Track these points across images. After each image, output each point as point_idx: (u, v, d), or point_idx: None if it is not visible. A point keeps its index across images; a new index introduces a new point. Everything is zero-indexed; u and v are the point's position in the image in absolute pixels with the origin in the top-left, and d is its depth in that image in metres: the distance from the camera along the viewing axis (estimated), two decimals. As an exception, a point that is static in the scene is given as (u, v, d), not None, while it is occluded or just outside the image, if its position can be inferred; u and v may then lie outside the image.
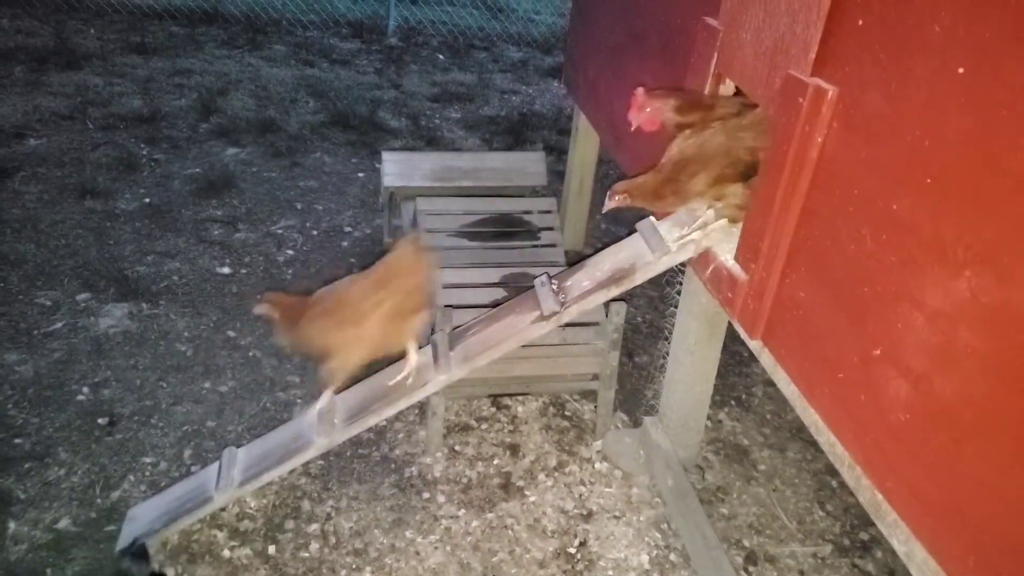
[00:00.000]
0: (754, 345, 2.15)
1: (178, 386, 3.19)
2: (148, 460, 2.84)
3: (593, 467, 3.02)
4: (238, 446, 2.63)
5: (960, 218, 1.39)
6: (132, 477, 2.77)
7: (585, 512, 2.81)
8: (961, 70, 1.38)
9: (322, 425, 2.48)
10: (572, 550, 2.67)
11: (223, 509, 2.64)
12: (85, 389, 3.11)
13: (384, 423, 3.06)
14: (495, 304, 2.80)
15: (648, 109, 2.26)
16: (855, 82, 1.67)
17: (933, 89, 1.45)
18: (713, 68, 2.33)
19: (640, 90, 2.28)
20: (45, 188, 4.50)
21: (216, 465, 2.57)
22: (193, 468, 2.82)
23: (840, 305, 1.74)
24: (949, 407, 1.43)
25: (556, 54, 8.00)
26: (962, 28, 1.37)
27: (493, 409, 3.25)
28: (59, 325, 3.44)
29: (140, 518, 2.53)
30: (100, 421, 2.97)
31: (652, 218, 2.46)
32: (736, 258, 2.17)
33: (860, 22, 1.66)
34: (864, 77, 1.64)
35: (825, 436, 1.84)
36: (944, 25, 1.42)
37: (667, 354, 2.94)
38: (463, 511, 2.77)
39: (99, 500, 2.66)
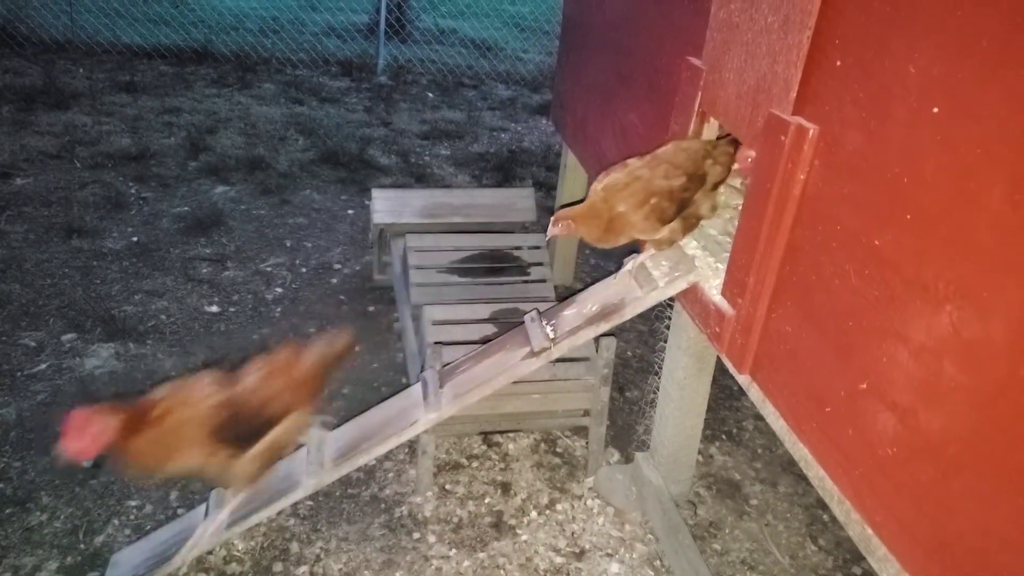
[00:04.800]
0: (743, 379, 2.15)
1: (164, 426, 3.15)
2: (133, 503, 2.79)
3: (585, 504, 2.99)
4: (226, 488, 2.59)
5: (940, 254, 1.41)
6: (116, 521, 2.71)
7: (577, 550, 2.78)
8: (936, 110, 1.41)
9: (311, 465, 2.45)
10: (565, 590, 2.64)
11: (210, 552, 2.59)
12: (69, 431, 3.07)
13: (374, 462, 3.03)
14: (485, 340, 2.80)
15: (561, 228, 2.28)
16: (835, 121, 1.71)
17: (910, 128, 1.49)
18: (697, 107, 2.38)
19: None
20: (31, 227, 4.49)
21: (203, 507, 2.53)
22: (179, 511, 2.77)
23: (826, 340, 1.76)
24: (935, 441, 1.43)
25: (544, 91, 8.13)
26: (936, 69, 1.41)
27: (484, 447, 3.23)
28: (43, 366, 3.41)
29: (124, 563, 2.48)
30: (84, 464, 2.92)
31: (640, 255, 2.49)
32: (723, 293, 2.19)
33: (839, 63, 1.70)
34: (844, 116, 1.68)
35: (814, 470, 1.84)
36: (919, 66, 1.46)
37: (657, 389, 2.94)
38: (454, 551, 2.73)
39: (82, 545, 2.61)
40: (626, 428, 3.41)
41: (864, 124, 1.61)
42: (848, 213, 1.67)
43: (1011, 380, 1.27)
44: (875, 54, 1.58)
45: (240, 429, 2.16)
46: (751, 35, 2.05)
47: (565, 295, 2.99)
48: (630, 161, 2.31)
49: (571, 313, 2.44)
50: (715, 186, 2.33)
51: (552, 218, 2.25)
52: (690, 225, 2.34)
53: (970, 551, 1.37)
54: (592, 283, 2.56)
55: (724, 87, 2.22)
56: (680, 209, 2.27)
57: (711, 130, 2.42)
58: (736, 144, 2.38)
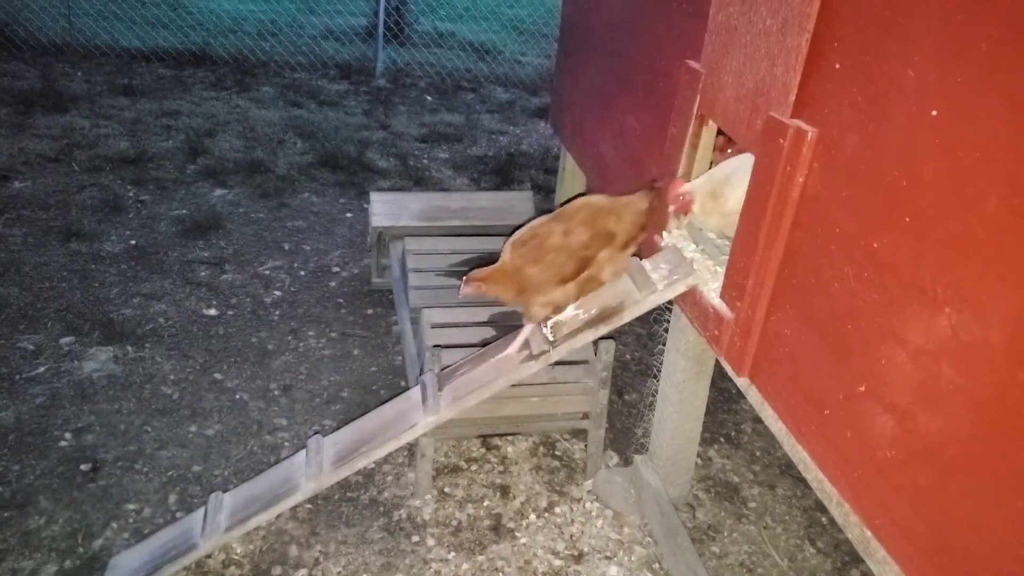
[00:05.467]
0: (741, 382, 2.16)
1: (163, 430, 3.15)
2: (132, 507, 2.79)
3: (584, 507, 2.99)
4: (224, 491, 2.59)
5: (938, 257, 1.42)
6: (115, 524, 2.71)
7: (576, 553, 2.78)
8: (934, 113, 1.42)
9: (310, 468, 2.45)
10: (564, 593, 2.64)
11: (208, 556, 2.59)
12: (68, 435, 3.06)
13: (373, 466, 3.03)
14: (484, 343, 2.80)
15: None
16: (834, 124, 1.72)
17: (909, 131, 1.49)
18: (696, 110, 2.39)
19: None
20: (29, 231, 4.49)
21: (202, 511, 2.53)
22: (178, 514, 2.76)
23: (825, 342, 1.76)
24: (934, 443, 1.44)
25: (542, 95, 8.13)
26: (934, 73, 1.42)
27: (483, 450, 3.23)
28: (42, 370, 3.40)
29: (122, 567, 2.47)
30: (83, 467, 2.92)
31: (638, 258, 2.49)
32: (722, 296, 2.20)
33: (837, 66, 1.71)
34: (843, 119, 1.69)
35: (813, 473, 1.84)
36: (917, 70, 1.46)
37: (656, 392, 2.94)
38: (453, 554, 2.73)
39: (81, 549, 2.60)
40: (625, 431, 3.41)
41: (862, 127, 1.62)
42: (847, 216, 1.68)
43: (1009, 383, 1.27)
44: (873, 57, 1.58)
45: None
46: (750, 38, 2.05)
47: (564, 298, 2.99)
48: (539, 219, 2.32)
49: (570, 316, 2.44)
50: (625, 245, 2.32)
51: (464, 278, 2.25)
52: (586, 290, 2.34)
53: (969, 553, 1.38)
54: (591, 286, 2.56)
55: (723, 90, 2.22)
56: (582, 267, 2.26)
57: (710, 133, 2.43)
58: (654, 194, 2.37)
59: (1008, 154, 1.26)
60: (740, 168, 2.27)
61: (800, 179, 1.82)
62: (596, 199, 2.36)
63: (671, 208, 2.42)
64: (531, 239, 2.26)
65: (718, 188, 2.29)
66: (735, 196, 2.22)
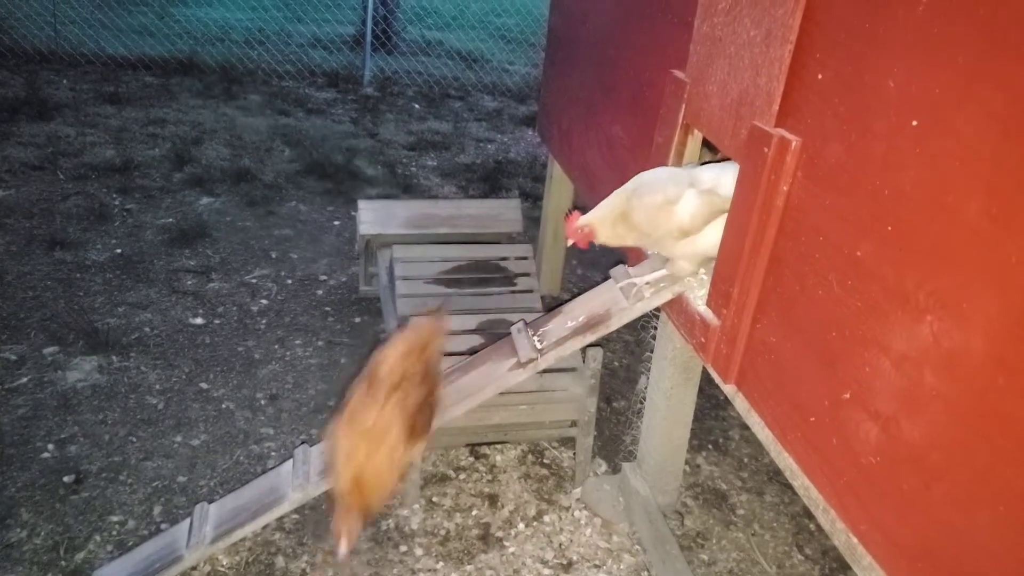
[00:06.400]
0: (728, 389, 2.17)
1: (148, 440, 3.12)
2: (116, 518, 2.76)
3: (572, 515, 2.99)
4: (210, 501, 2.57)
5: (920, 265, 1.43)
6: (98, 537, 2.68)
7: (565, 562, 2.77)
8: (915, 123, 1.44)
9: (297, 478, 2.44)
10: (552, 602, 2.63)
11: (194, 568, 2.56)
12: (50, 446, 3.03)
13: (360, 474, 3.01)
14: (472, 351, 2.80)
15: None
16: (817, 133, 1.73)
17: (890, 141, 1.51)
18: (681, 119, 2.40)
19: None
20: (12, 239, 4.44)
21: (187, 522, 2.51)
22: (163, 526, 2.74)
23: (810, 349, 1.78)
24: (917, 450, 1.45)
25: (530, 103, 8.16)
26: (914, 84, 1.44)
27: (471, 458, 3.22)
28: (24, 380, 3.36)
29: (106, 580, 2.45)
30: (66, 479, 2.89)
31: (625, 264, 2.50)
32: (708, 304, 2.21)
33: (820, 76, 1.73)
34: (825, 128, 1.70)
35: (800, 480, 1.85)
36: (897, 80, 1.48)
37: (644, 399, 2.95)
38: (441, 564, 2.72)
39: (63, 562, 2.57)
40: (613, 438, 3.41)
41: (845, 136, 1.64)
42: (830, 224, 1.69)
43: (989, 389, 1.29)
44: (855, 68, 1.60)
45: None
46: (734, 48, 2.07)
47: (552, 305, 3.00)
48: (368, 413, 2.13)
49: (558, 324, 2.45)
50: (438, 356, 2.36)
51: (337, 540, 2.14)
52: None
53: (953, 559, 1.39)
54: (579, 293, 2.57)
55: (707, 99, 2.24)
56: (435, 406, 2.30)
57: (695, 142, 2.44)
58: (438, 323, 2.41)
59: (986, 163, 1.28)
60: (641, 184, 2.27)
61: (784, 188, 1.84)
62: (400, 348, 2.27)
63: (569, 242, 2.38)
64: (391, 426, 2.14)
65: (627, 207, 2.26)
66: (641, 206, 2.21)
